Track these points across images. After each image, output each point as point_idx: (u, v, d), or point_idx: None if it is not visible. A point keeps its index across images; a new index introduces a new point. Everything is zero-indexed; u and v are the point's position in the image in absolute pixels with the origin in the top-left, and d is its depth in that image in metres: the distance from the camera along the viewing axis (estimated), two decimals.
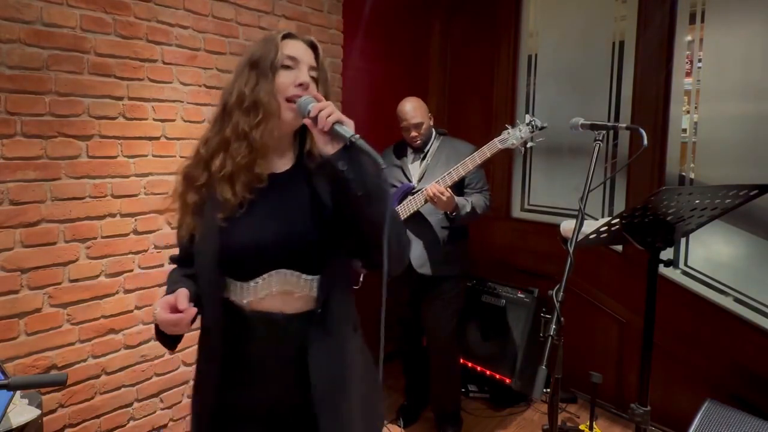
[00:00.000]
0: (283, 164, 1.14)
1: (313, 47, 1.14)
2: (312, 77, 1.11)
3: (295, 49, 1.10)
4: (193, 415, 1.17)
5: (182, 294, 1.00)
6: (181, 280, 1.14)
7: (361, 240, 1.04)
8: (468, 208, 2.35)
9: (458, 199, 2.33)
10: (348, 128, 0.98)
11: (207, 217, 1.08)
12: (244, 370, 1.09)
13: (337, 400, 1.08)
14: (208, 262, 1.07)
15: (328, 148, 0.99)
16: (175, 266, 1.23)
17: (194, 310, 1.00)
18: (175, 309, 0.99)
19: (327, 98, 1.09)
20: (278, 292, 1.07)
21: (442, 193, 2.22)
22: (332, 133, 0.98)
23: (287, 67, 1.08)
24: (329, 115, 0.98)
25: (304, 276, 1.08)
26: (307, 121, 1.02)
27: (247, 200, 1.06)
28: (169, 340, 1.08)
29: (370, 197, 0.98)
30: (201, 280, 1.10)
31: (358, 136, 0.96)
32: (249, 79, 1.08)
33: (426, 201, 2.30)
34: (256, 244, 1.06)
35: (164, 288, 1.16)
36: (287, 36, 1.12)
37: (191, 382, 1.17)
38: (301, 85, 1.07)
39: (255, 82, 1.07)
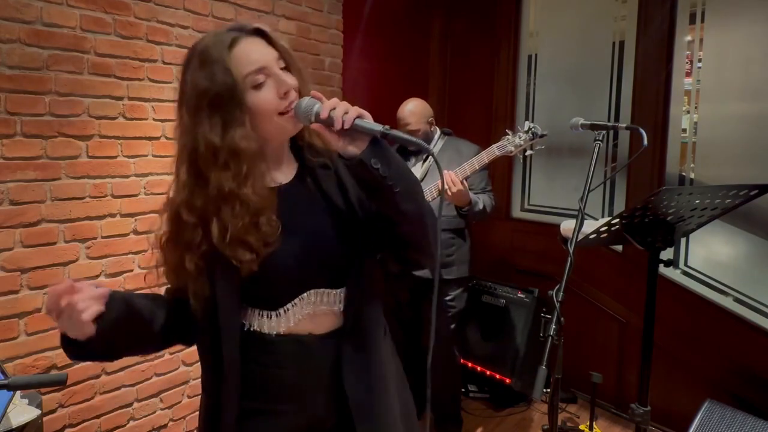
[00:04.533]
0: (286, 173, 1.02)
1: (261, 35, 0.95)
2: (282, 69, 0.94)
3: (254, 54, 0.91)
4: None
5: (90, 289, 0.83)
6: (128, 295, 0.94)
7: (395, 239, 0.96)
8: (480, 206, 2.36)
9: (471, 195, 2.34)
10: (370, 121, 0.86)
11: (222, 274, 0.92)
12: (272, 398, 1.00)
13: (377, 411, 1.01)
14: (230, 304, 0.94)
15: (350, 149, 0.86)
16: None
17: (95, 307, 0.83)
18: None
19: (305, 83, 0.96)
20: (309, 314, 0.98)
21: (454, 183, 2.20)
22: (354, 131, 0.85)
23: (257, 85, 0.90)
24: (346, 112, 0.84)
25: (331, 291, 0.99)
26: (316, 126, 0.89)
27: (268, 253, 0.91)
28: (71, 342, 0.91)
29: (407, 191, 0.89)
30: (220, 314, 0.94)
31: (388, 126, 0.84)
32: (213, 124, 0.88)
33: (432, 199, 2.29)
34: (287, 271, 0.95)
35: (164, 289, 1.10)
36: (233, 43, 0.90)
37: (191, 382, 1.13)
38: (286, 93, 0.92)
39: (222, 128, 0.88)
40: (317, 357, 0.99)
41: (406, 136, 0.86)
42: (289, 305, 0.96)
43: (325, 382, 0.99)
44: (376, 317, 1.05)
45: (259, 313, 0.97)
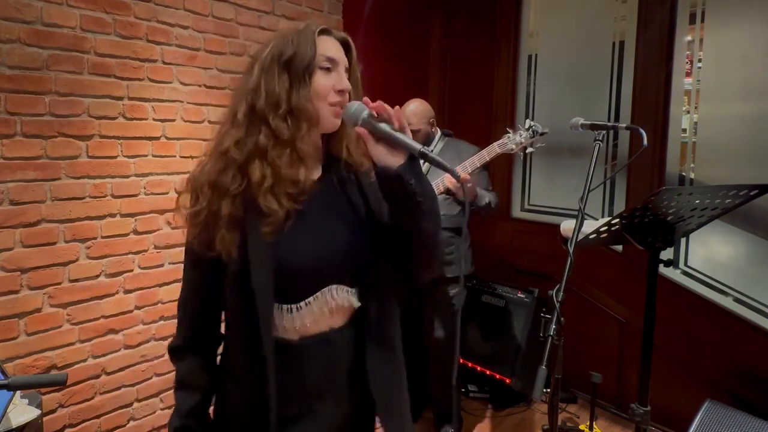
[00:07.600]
0: (315, 171, 1.05)
1: (346, 46, 1.04)
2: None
3: (333, 49, 1.00)
4: None
5: None
6: None
7: (405, 252, 1.00)
8: (486, 200, 2.38)
9: (478, 189, 2.35)
10: (410, 137, 0.91)
11: (253, 232, 0.94)
12: (306, 398, 1.01)
13: (397, 404, 1.07)
14: (264, 286, 0.94)
15: (388, 159, 0.91)
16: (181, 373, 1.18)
17: None
18: None
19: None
20: (328, 310, 1.00)
21: (467, 180, 2.20)
22: (394, 143, 0.91)
23: (325, 69, 0.98)
24: None
25: (349, 289, 1.02)
26: (360, 130, 0.93)
27: (294, 211, 0.96)
28: None
29: (430, 210, 0.93)
30: (257, 307, 0.94)
31: (426, 147, 0.89)
32: (280, 79, 0.96)
33: (438, 194, 2.29)
34: (322, 259, 0.98)
35: (164, 289, 1.10)
36: (323, 32, 1.00)
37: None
38: (341, 91, 0.98)
39: (289, 85, 0.95)
40: (341, 351, 1.02)
41: (439, 159, 0.88)
42: (310, 299, 0.98)
43: (351, 378, 1.03)
44: (393, 319, 1.10)
45: (278, 308, 0.97)
